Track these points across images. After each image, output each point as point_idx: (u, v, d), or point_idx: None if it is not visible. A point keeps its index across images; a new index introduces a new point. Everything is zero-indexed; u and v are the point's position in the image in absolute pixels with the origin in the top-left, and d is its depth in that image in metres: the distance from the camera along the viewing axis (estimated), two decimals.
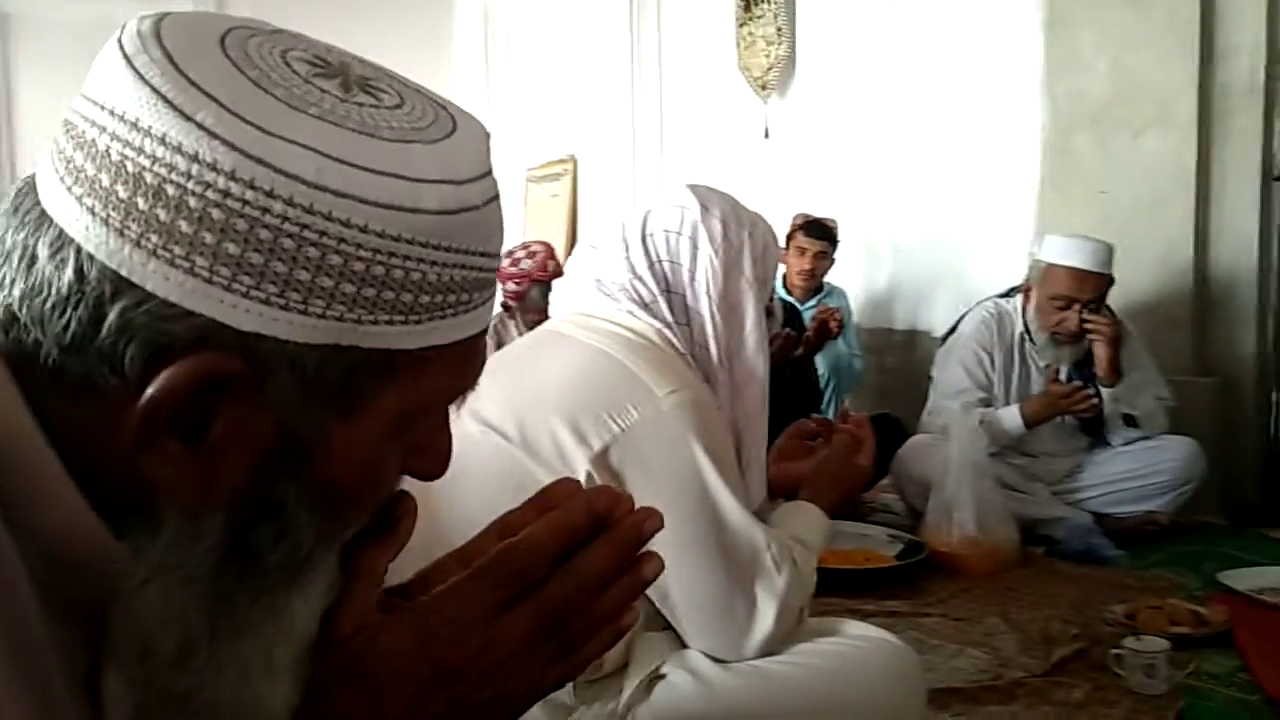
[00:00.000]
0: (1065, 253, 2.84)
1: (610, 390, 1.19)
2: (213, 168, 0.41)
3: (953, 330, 3.10)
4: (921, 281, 4.05)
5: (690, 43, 5.01)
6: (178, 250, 0.42)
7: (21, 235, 0.44)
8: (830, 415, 3.21)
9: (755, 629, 1.19)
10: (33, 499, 0.43)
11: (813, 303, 3.76)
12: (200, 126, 0.41)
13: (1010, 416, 2.83)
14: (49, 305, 0.43)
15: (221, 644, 0.47)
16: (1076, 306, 2.80)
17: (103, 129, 0.43)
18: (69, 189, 0.43)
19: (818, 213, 3.86)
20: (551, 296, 1.46)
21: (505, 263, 3.58)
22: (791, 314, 3.57)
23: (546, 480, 1.16)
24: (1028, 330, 2.95)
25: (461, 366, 0.50)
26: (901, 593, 2.34)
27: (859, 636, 1.28)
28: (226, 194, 0.41)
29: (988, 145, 3.75)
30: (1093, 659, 1.94)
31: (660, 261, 1.31)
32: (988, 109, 3.74)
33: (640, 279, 1.30)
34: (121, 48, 0.43)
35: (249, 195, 0.42)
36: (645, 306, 1.29)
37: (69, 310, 0.42)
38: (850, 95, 4.21)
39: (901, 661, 1.27)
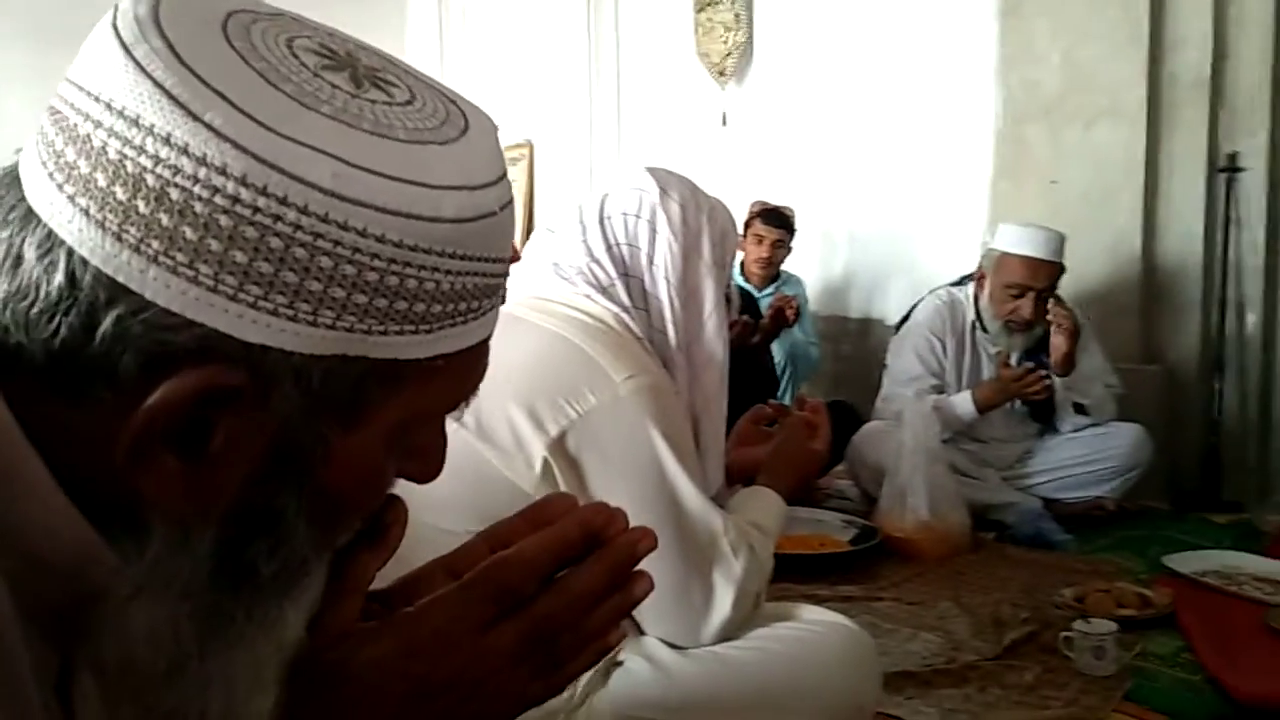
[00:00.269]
0: (1019, 241, 2.88)
1: (567, 375, 1.18)
2: (222, 172, 0.39)
3: (906, 318, 3.13)
4: (876, 270, 4.08)
5: (648, 28, 4.98)
6: (180, 257, 0.39)
7: (6, 233, 0.41)
8: (787, 402, 3.23)
9: (713, 615, 1.18)
10: (9, 495, 0.41)
11: (769, 290, 3.77)
12: (209, 127, 0.39)
13: (962, 402, 2.86)
14: (36, 310, 0.40)
15: (212, 660, 0.45)
16: (1030, 294, 2.84)
17: (98, 123, 0.40)
18: (59, 186, 0.40)
19: (775, 201, 3.87)
20: (508, 281, 1.44)
21: None
22: (748, 301, 3.57)
23: (502, 467, 1.15)
24: (979, 318, 2.99)
25: (467, 373, 0.49)
26: (856, 578, 2.36)
27: (815, 621, 1.28)
28: (236, 200, 0.39)
29: (942, 135, 3.78)
30: (1043, 641, 1.97)
31: (618, 245, 1.30)
32: (942, 99, 3.77)
33: (598, 262, 1.29)
34: (117, 34, 0.40)
35: (260, 202, 0.39)
36: (603, 290, 1.28)
37: (58, 316, 0.40)
38: (808, 84, 4.21)
39: (857, 645, 1.28)
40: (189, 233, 0.39)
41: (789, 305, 3.44)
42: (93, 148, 0.40)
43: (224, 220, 0.39)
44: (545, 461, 1.14)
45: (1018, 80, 3.46)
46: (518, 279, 1.39)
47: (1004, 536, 2.72)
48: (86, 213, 0.40)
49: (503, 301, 0.50)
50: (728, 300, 1.37)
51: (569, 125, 5.44)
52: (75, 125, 0.40)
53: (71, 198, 0.40)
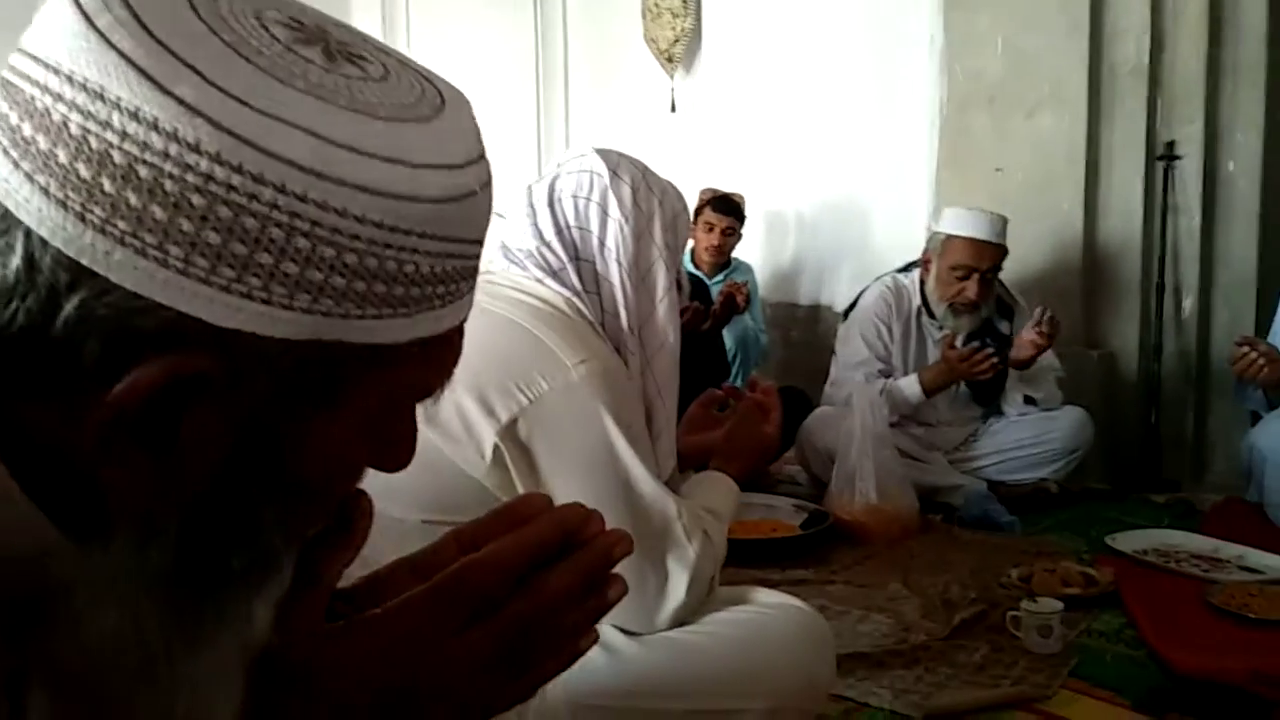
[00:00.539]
0: (964, 224, 2.93)
1: (518, 360, 1.16)
2: (194, 148, 0.37)
3: (853, 305, 3.16)
4: (825, 256, 4.10)
5: (596, 13, 4.95)
6: (149, 238, 0.37)
7: None
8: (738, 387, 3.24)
9: (667, 600, 1.17)
10: None
11: (720, 277, 3.77)
12: (180, 101, 0.37)
13: (909, 385, 2.90)
14: None
15: (179, 659, 0.43)
16: (975, 275, 2.89)
17: (58, 96, 0.37)
18: (16, 163, 0.38)
19: (724, 188, 3.86)
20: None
21: None
22: (699, 288, 3.57)
23: (452, 454, 1.13)
24: (925, 303, 3.03)
25: (442, 358, 0.47)
26: (807, 562, 2.37)
27: (769, 604, 1.28)
28: (209, 177, 0.37)
29: (888, 122, 3.81)
30: (991, 621, 2.00)
31: (569, 228, 1.28)
32: (888, 87, 3.80)
33: (548, 246, 1.27)
34: (78, 3, 0.38)
35: (235, 180, 0.37)
36: (554, 274, 1.26)
37: (15, 300, 0.37)
38: (756, 70, 4.22)
39: (811, 627, 1.28)
40: (158, 212, 0.37)
41: (739, 291, 3.45)
42: (52, 122, 0.37)
43: (196, 199, 0.37)
44: (496, 448, 1.12)
45: (961, 69, 3.49)
46: None
47: (951, 518, 2.76)
48: (46, 191, 0.37)
49: (475, 285, 0.48)
50: (678, 286, 1.37)
51: (516, 111, 5.39)
52: (32, 99, 0.38)
53: (29, 175, 0.37)
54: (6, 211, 0.38)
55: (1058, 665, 1.81)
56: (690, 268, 3.72)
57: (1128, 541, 2.44)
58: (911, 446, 2.88)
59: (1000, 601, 2.07)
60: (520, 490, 1.12)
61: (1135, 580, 2.19)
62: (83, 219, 0.37)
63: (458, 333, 0.47)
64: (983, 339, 2.93)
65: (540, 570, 0.52)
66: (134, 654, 0.41)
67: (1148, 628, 1.94)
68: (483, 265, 1.43)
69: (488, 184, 0.46)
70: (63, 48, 0.37)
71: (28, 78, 0.38)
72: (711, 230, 3.74)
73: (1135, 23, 3.21)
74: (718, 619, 1.22)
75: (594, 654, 1.15)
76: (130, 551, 0.41)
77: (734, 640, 1.20)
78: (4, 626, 0.40)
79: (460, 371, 1.14)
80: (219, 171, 0.37)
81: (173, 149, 0.37)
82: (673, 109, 4.56)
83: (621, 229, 1.27)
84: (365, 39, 0.46)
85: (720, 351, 3.56)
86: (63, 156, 0.37)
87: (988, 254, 2.90)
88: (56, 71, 0.37)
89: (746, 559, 2.20)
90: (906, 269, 3.13)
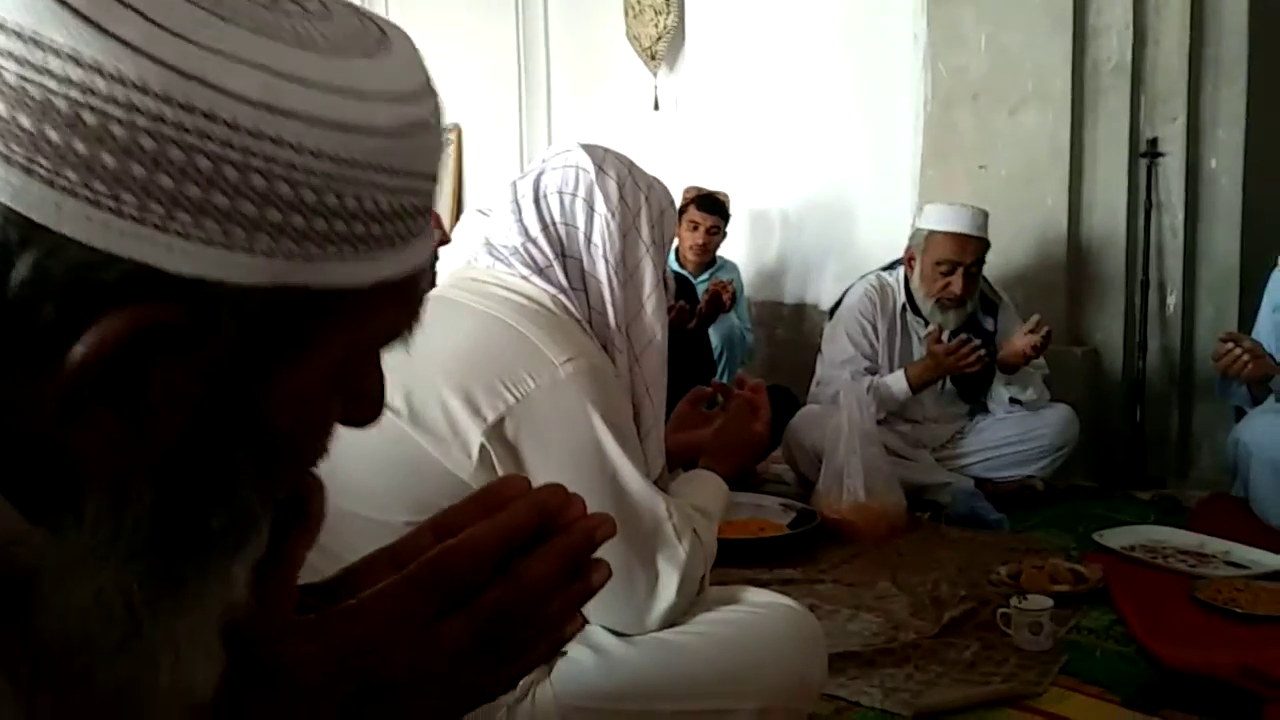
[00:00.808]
0: (945, 219, 2.94)
1: (504, 358, 1.14)
2: (141, 89, 0.35)
3: (839, 303, 3.16)
4: (810, 255, 4.10)
5: (578, 10, 4.93)
6: (100, 187, 0.35)
7: None
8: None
9: (658, 601, 1.16)
10: None
11: (705, 276, 3.76)
12: (122, 42, 0.35)
13: (896, 381, 2.90)
14: None
15: (163, 625, 0.41)
16: (960, 270, 2.90)
17: None
18: None
19: (708, 186, 3.85)
20: (439, 265, 1.40)
21: None
22: (685, 287, 3.56)
23: (438, 454, 1.11)
24: (910, 300, 3.03)
25: (406, 302, 0.46)
26: (796, 561, 2.36)
27: (760, 603, 1.27)
28: (159, 119, 0.35)
29: (873, 120, 3.80)
30: (981, 619, 1.99)
31: (554, 224, 1.26)
32: (872, 85, 3.79)
33: (534, 242, 1.25)
34: None
35: (185, 119, 0.36)
36: (540, 271, 1.24)
37: None
38: (739, 68, 4.21)
39: (802, 626, 1.27)
40: (108, 159, 0.35)
41: (725, 290, 3.44)
42: None
43: (146, 142, 0.35)
44: (483, 448, 1.10)
45: (945, 66, 3.49)
46: (449, 261, 1.34)
47: (939, 516, 2.75)
48: None
49: (431, 224, 0.47)
50: (664, 285, 1.35)
51: (499, 109, 5.36)
52: None
53: None
54: None
55: (1048, 662, 1.80)
56: (675, 266, 3.70)
57: (1115, 538, 2.45)
58: (898, 444, 2.88)
59: (990, 599, 2.06)
60: None
61: (1123, 576, 2.20)
62: (29, 172, 0.35)
63: (422, 274, 0.46)
64: (968, 335, 2.93)
65: (520, 556, 0.50)
66: (113, 626, 0.40)
67: (1136, 624, 1.94)
68: (466, 263, 1.41)
69: (439, 117, 0.45)
70: None
71: None
72: (696, 229, 3.73)
73: (1118, 19, 3.22)
74: (708, 619, 1.20)
75: (584, 655, 1.14)
76: (105, 521, 0.39)
77: (725, 640, 1.18)
78: None
79: (445, 370, 1.13)
80: (168, 111, 0.36)
81: (118, 91, 0.35)
82: (656, 107, 4.55)
83: (608, 225, 1.25)
84: None
85: (706, 350, 3.55)
86: (2, 108, 0.35)
87: (970, 248, 2.91)
88: None
89: (735, 559, 2.18)
90: (891, 267, 3.13)
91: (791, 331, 4.09)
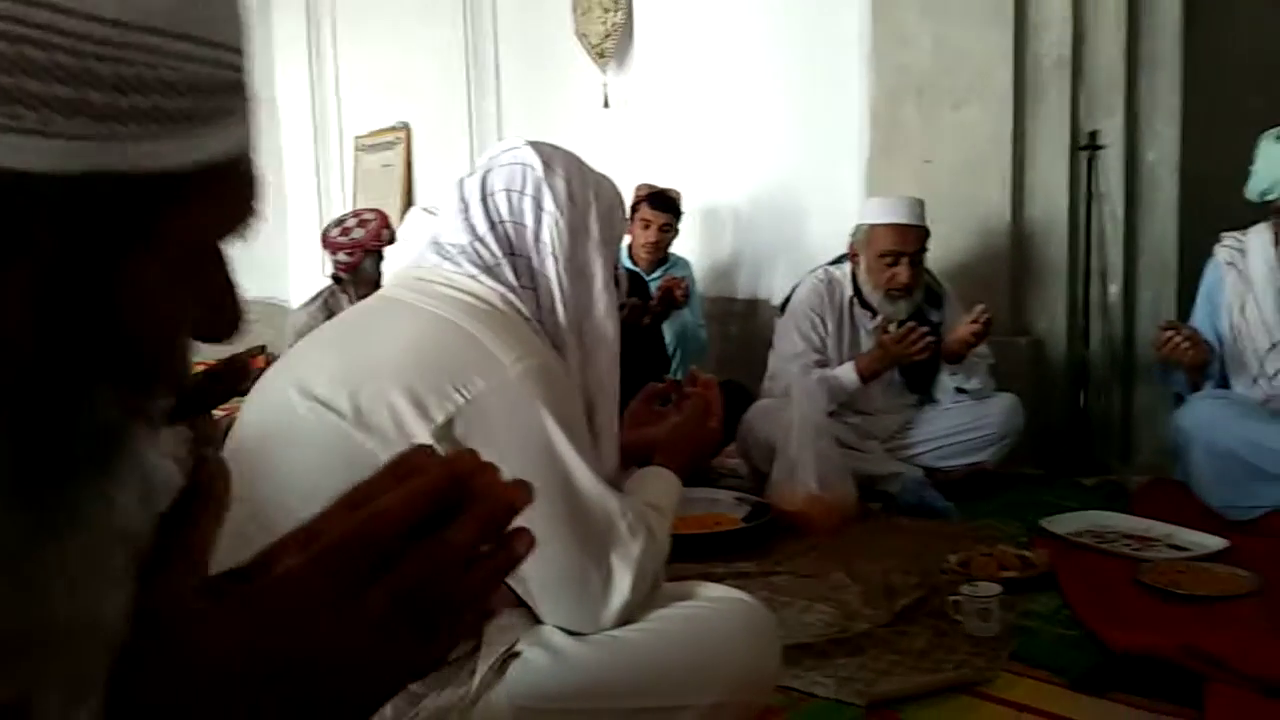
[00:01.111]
0: (884, 212, 3.00)
1: (453, 359, 1.13)
2: None
3: (789, 298, 3.18)
4: (760, 250, 4.12)
5: (526, 8, 4.90)
6: None
7: None
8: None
9: (612, 599, 1.15)
10: None
11: (658, 273, 3.77)
12: None
13: (845, 373, 2.94)
14: None
15: (44, 552, 0.39)
16: (904, 259, 2.95)
17: None
18: None
19: (659, 183, 3.86)
20: (384, 265, 1.38)
21: (336, 231, 3.42)
22: (637, 284, 3.56)
23: (384, 456, 1.09)
24: (857, 294, 3.06)
25: (237, 189, 0.44)
26: (751, 554, 2.38)
27: (714, 598, 1.27)
28: None
29: (820, 117, 3.84)
30: (932, 607, 2.02)
31: (502, 222, 1.25)
32: (820, 81, 3.83)
33: (482, 241, 1.24)
34: None
35: None
36: (488, 270, 1.23)
37: None
38: (688, 65, 4.22)
39: (757, 620, 1.27)
40: None
41: (678, 286, 3.45)
42: None
43: None
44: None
45: (891, 63, 3.53)
46: (395, 261, 1.33)
47: (890, 506, 2.79)
48: None
49: (253, 113, 0.45)
50: (616, 282, 1.35)
51: (448, 108, 5.32)
52: None
53: None
54: None
55: (998, 648, 1.83)
56: (628, 264, 3.71)
57: (1061, 524, 2.49)
58: (849, 436, 2.91)
59: (940, 587, 2.09)
60: None
61: (1070, 562, 2.24)
62: None
63: (249, 164, 0.44)
64: (918, 321, 2.97)
65: (438, 525, 0.48)
66: None
67: (1083, 608, 1.98)
68: (411, 263, 1.39)
69: None
70: None
71: None
72: (649, 227, 3.73)
73: (1057, 16, 3.28)
74: (662, 615, 1.20)
75: (537, 655, 1.13)
76: None
77: (679, 636, 1.18)
78: None
79: (391, 371, 1.12)
80: None
81: None
82: (606, 104, 4.54)
83: (557, 223, 1.24)
84: None
85: (660, 347, 3.56)
86: None
87: (911, 237, 2.97)
88: None
89: (690, 554, 2.19)
90: (838, 261, 3.17)
91: (744, 327, 4.11)
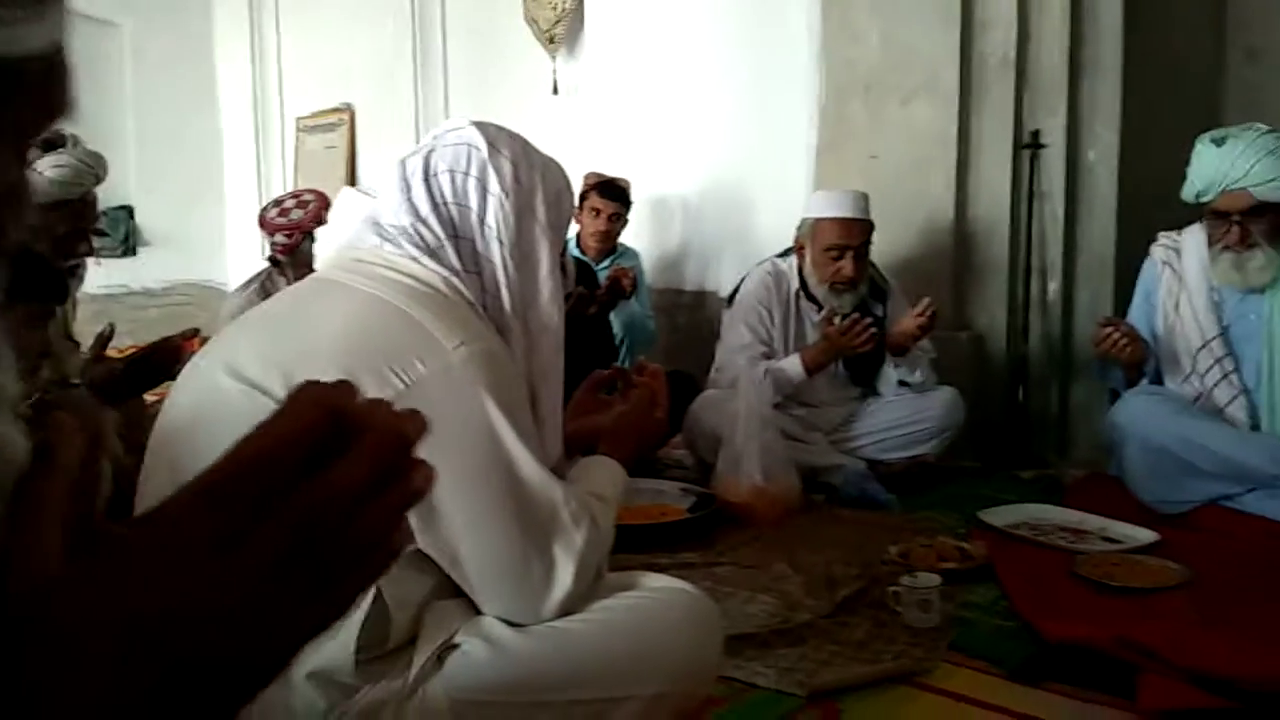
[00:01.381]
0: (828, 206, 3.02)
1: (392, 342, 1.10)
2: None
3: (736, 290, 3.18)
4: (709, 242, 4.12)
5: None
6: None
7: None
8: None
9: (554, 590, 1.13)
10: None
11: (607, 263, 3.74)
12: None
13: (791, 364, 2.95)
14: None
15: None
16: (849, 253, 2.97)
17: None
18: None
19: (608, 172, 3.83)
20: (316, 247, 1.34)
21: (274, 212, 3.33)
22: (586, 273, 3.53)
23: None
24: (804, 286, 3.08)
25: (50, 86, 0.43)
26: (695, 545, 2.38)
27: (656, 588, 1.26)
28: None
29: (770, 110, 3.84)
30: (872, 597, 2.03)
31: (446, 204, 1.22)
32: (769, 75, 3.83)
33: (424, 223, 1.21)
34: None
35: None
36: (430, 253, 1.20)
37: None
38: (639, 53, 4.19)
39: (699, 610, 1.26)
40: None
41: (625, 276, 3.43)
42: None
43: None
44: None
45: (839, 58, 3.55)
46: (328, 241, 1.29)
47: (833, 498, 2.81)
48: None
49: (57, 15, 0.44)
50: (563, 271, 1.32)
51: (393, 90, 5.23)
52: None
53: None
54: None
55: (937, 639, 1.85)
56: (577, 253, 3.68)
57: (999, 516, 2.53)
58: (793, 427, 2.92)
59: (881, 578, 2.11)
60: None
61: (1007, 553, 2.27)
62: None
63: (34, 62, 0.42)
64: (863, 314, 3.00)
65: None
66: None
67: (1019, 599, 2.00)
68: (348, 244, 1.34)
69: None
70: None
71: None
72: (598, 216, 3.71)
73: (1003, 16, 3.32)
74: (604, 606, 1.18)
75: (476, 647, 1.11)
76: None
77: (621, 627, 1.17)
78: None
79: (328, 354, 1.08)
80: None
81: None
82: (555, 91, 4.50)
83: (502, 205, 1.22)
84: None
85: (608, 337, 3.54)
86: None
87: (855, 230, 2.99)
88: None
89: (635, 544, 2.18)
90: (786, 253, 3.18)
91: (691, 318, 4.11)
